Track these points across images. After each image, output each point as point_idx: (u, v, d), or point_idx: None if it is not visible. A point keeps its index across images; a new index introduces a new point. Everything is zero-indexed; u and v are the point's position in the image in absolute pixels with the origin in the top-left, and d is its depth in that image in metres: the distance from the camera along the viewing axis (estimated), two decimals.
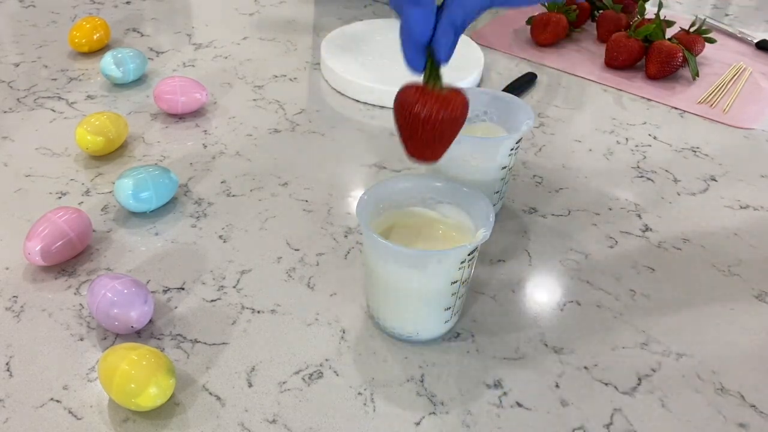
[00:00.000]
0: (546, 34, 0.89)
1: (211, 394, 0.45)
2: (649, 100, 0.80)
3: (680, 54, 0.81)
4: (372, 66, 0.79)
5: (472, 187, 0.48)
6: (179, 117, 0.72)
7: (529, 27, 0.91)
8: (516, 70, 0.85)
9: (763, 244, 0.60)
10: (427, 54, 0.39)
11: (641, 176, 0.67)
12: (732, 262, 0.58)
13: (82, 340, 0.48)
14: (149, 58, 0.82)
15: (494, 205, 0.57)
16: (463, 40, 0.82)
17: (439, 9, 0.38)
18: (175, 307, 0.51)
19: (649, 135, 0.74)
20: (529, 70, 0.84)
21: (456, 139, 0.42)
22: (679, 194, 0.65)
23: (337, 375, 0.46)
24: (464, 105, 0.39)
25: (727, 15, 1.05)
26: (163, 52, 0.84)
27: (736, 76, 0.85)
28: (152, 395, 0.41)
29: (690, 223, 0.62)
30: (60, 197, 0.61)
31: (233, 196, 0.62)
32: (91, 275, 0.53)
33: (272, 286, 0.53)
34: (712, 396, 0.46)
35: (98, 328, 0.48)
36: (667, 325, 0.51)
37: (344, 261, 0.55)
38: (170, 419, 0.43)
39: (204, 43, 0.87)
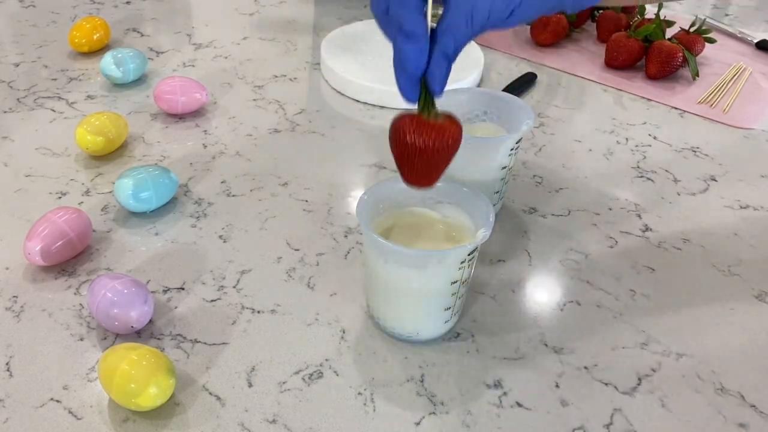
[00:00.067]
0: (546, 34, 0.89)
1: (211, 394, 0.45)
2: (649, 100, 0.80)
3: (680, 54, 0.81)
4: (372, 66, 0.79)
5: (472, 187, 0.48)
6: (179, 117, 0.72)
7: (529, 27, 0.91)
8: (516, 70, 0.85)
9: (763, 244, 0.60)
10: (422, 84, 0.39)
11: (641, 176, 0.67)
12: (732, 262, 0.58)
13: (82, 340, 0.48)
14: (149, 58, 0.82)
15: (494, 205, 0.57)
16: None
17: (431, 39, 0.38)
18: (175, 307, 0.51)
19: (649, 135, 0.74)
20: (529, 70, 0.84)
21: None
22: (679, 194, 0.65)
23: (337, 375, 0.46)
24: (458, 133, 0.40)
25: (727, 15, 1.05)
26: (163, 52, 0.84)
27: (736, 76, 0.85)
28: (152, 395, 0.41)
29: (690, 223, 0.62)
30: (60, 197, 0.61)
31: (233, 196, 0.62)
32: (91, 275, 0.53)
33: (272, 286, 0.53)
34: (712, 396, 0.46)
35: (98, 328, 0.48)
36: (667, 325, 0.51)
37: (344, 261, 0.55)
38: (170, 419, 0.43)
39: (204, 43, 0.87)
